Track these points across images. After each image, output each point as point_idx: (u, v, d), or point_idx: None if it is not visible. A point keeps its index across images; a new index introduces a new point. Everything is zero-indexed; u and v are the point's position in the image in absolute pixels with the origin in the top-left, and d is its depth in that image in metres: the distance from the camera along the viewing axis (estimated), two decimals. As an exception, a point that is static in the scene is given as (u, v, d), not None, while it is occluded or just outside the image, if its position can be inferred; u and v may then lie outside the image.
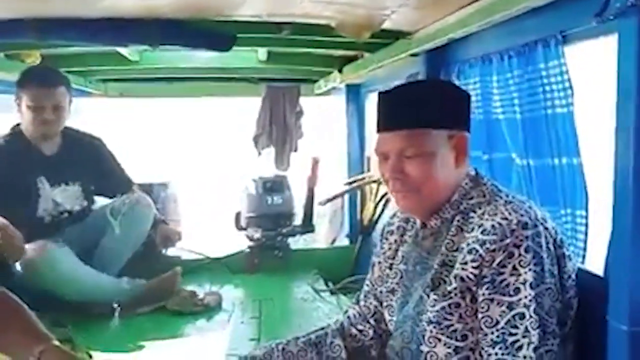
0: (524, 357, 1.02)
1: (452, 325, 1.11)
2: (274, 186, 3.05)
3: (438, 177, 1.16)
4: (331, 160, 3.32)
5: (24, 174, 2.26)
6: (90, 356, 1.78)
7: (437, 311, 1.11)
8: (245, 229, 3.03)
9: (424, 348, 1.14)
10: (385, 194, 2.73)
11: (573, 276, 1.11)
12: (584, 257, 1.35)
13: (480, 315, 1.08)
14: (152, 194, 2.82)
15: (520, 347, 1.02)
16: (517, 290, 1.03)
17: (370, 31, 1.87)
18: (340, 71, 2.83)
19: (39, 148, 2.32)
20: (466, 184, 1.19)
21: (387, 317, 1.29)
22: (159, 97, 3.67)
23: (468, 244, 1.10)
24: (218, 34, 1.94)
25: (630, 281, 1.05)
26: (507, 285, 1.04)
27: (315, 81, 3.54)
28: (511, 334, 1.03)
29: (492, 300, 1.06)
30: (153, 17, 1.79)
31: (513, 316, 1.03)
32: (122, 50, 2.45)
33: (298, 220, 3.07)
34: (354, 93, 3.25)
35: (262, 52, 2.74)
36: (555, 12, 1.30)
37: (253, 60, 2.89)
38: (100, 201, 2.54)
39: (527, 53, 1.42)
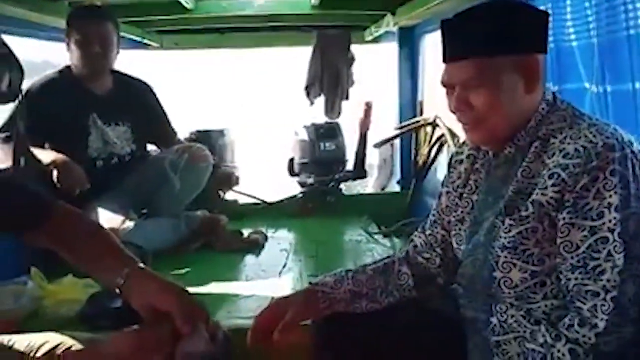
0: (608, 280, 0.98)
1: (528, 249, 1.08)
2: (327, 132, 3.09)
3: (506, 106, 1.11)
4: (383, 107, 3.30)
5: (75, 111, 2.30)
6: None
7: (513, 236, 1.09)
8: (298, 175, 3.10)
9: (498, 274, 1.12)
10: (441, 137, 2.71)
11: None
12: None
13: (559, 241, 1.04)
14: (211, 141, 2.90)
15: (603, 272, 0.99)
16: (601, 215, 0.99)
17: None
18: (393, 14, 2.79)
19: (90, 87, 2.35)
20: (543, 109, 1.13)
21: (455, 246, 1.28)
22: (213, 49, 3.72)
23: (549, 169, 1.06)
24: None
25: None
26: (590, 210, 1.00)
27: (366, 28, 3.50)
28: (593, 259, 1.00)
29: (573, 225, 1.02)
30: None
31: (595, 241, 1.00)
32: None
33: (350, 166, 3.11)
34: (407, 36, 3.19)
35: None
36: None
37: (305, 7, 2.88)
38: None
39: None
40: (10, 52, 1.89)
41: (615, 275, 0.98)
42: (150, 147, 2.63)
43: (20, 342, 1.25)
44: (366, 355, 1.29)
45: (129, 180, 2.41)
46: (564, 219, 1.03)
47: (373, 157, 3.34)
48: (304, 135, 3.09)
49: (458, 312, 1.30)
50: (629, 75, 1.35)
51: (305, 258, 2.33)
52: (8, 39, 1.88)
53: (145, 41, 3.29)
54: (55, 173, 2.09)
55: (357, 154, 3.01)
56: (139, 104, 2.48)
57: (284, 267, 2.22)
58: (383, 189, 3.55)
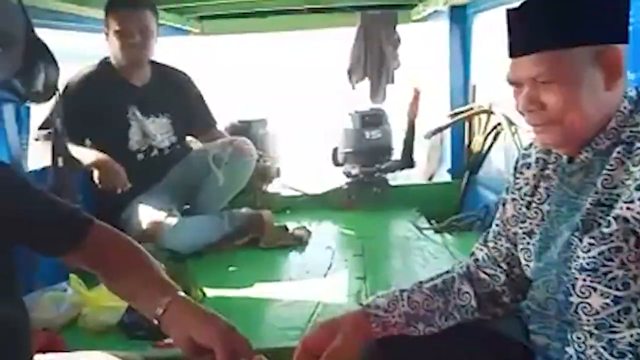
0: None
1: (610, 272, 0.95)
2: (372, 120, 2.94)
3: (583, 104, 0.97)
4: (431, 91, 3.11)
5: (115, 103, 2.27)
6: (204, 294, 1.82)
7: (593, 257, 0.96)
8: (342, 165, 2.97)
9: (575, 299, 0.99)
10: (497, 125, 2.52)
11: None
12: None
13: None
14: (251, 131, 2.80)
15: None
16: None
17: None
18: (445, -10, 2.59)
19: (128, 78, 2.31)
20: (625, 108, 0.99)
21: (523, 262, 1.15)
22: (254, 33, 3.62)
23: (635, 179, 0.91)
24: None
25: None
26: None
27: (413, 6, 3.31)
28: None
29: None
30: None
31: None
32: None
33: (397, 155, 2.95)
34: (459, 15, 2.98)
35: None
36: None
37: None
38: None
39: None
40: (45, 48, 1.84)
41: None
42: (189, 138, 2.56)
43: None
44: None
45: (170, 174, 2.38)
46: None
47: (420, 145, 3.16)
48: (348, 123, 2.95)
49: (527, 337, 1.16)
50: None
51: (350, 257, 2.21)
52: (45, 34, 1.84)
53: (186, 27, 3.21)
54: (96, 173, 2.05)
55: (404, 142, 2.85)
56: (178, 95, 2.42)
57: (329, 267, 2.11)
58: (430, 178, 3.37)
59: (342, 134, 2.96)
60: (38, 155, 2.02)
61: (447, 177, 3.11)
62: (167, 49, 2.46)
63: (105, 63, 2.31)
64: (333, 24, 3.52)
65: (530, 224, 1.12)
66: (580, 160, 1.03)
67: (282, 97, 4.51)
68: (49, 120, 2.06)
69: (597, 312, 0.96)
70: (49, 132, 2.05)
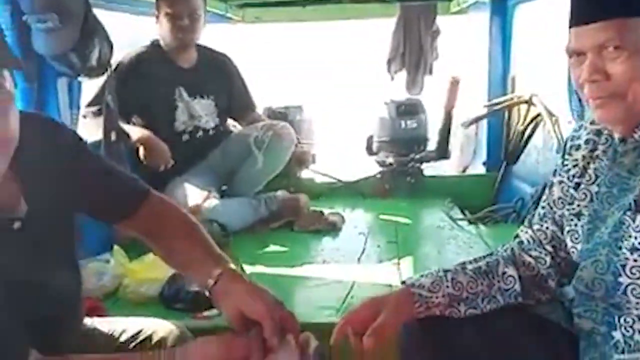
0: None
1: None
2: (408, 109, 2.93)
3: None
4: (469, 83, 3.08)
5: (163, 84, 2.33)
6: (244, 270, 1.85)
7: None
8: (376, 154, 2.97)
9: (624, 280, 0.98)
10: (536, 116, 2.48)
11: None
12: None
13: None
14: (288, 117, 2.83)
15: None
16: None
17: None
18: (486, -18, 2.56)
19: (176, 60, 2.37)
20: None
21: (570, 244, 1.13)
22: (293, 22, 3.65)
23: None
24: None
25: None
26: None
27: (452, -2, 3.28)
28: None
29: None
30: None
31: None
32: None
33: (432, 145, 2.94)
34: (500, 7, 2.94)
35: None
36: None
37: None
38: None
39: None
40: (101, 27, 1.90)
41: None
42: (229, 122, 2.60)
43: (104, 325, 1.24)
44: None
45: (212, 155, 2.43)
46: None
47: (454, 137, 3.13)
48: (384, 112, 2.95)
49: (571, 322, 1.14)
50: None
51: (384, 243, 2.22)
52: (99, 14, 1.89)
53: (228, 15, 3.25)
54: (141, 150, 2.11)
55: (440, 132, 2.83)
56: (222, 78, 2.47)
57: (363, 252, 2.12)
58: (464, 170, 3.34)
59: (377, 122, 2.96)
60: (85, 132, 2.07)
61: (481, 170, 3.09)
62: (208, 36, 2.50)
63: (155, 45, 2.37)
64: (372, 15, 3.53)
65: (579, 205, 1.11)
66: (635, 140, 1.01)
67: (319, 86, 4.52)
68: (98, 97, 2.14)
69: None
70: (97, 110, 2.13)
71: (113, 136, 1.96)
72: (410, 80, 3.40)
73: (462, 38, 3.66)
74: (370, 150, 2.98)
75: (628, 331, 0.98)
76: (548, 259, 1.18)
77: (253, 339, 0.96)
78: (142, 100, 2.28)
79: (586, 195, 1.10)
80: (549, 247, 1.18)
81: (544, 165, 2.49)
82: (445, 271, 1.17)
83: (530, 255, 1.19)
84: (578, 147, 1.14)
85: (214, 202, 2.22)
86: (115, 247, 1.78)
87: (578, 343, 1.10)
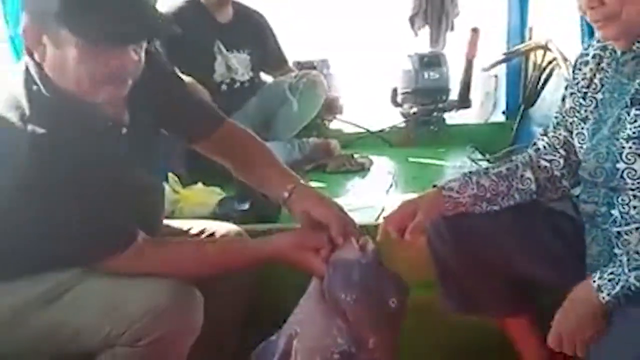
0: None
1: None
2: (431, 61, 3.06)
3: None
4: (489, 36, 3.20)
5: (203, 37, 2.49)
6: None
7: (639, 126, 1.10)
8: (401, 105, 3.12)
9: (621, 165, 1.13)
10: (552, 61, 2.61)
11: None
12: None
13: None
14: (316, 70, 2.98)
15: None
16: None
17: None
18: None
19: (215, 16, 2.53)
20: None
21: (577, 145, 1.28)
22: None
23: None
24: None
25: None
26: None
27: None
28: None
29: None
30: None
31: None
32: None
33: (454, 96, 3.08)
34: (518, -41, 3.04)
35: None
36: None
37: None
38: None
39: None
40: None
41: None
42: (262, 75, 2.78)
43: (174, 223, 1.46)
44: (480, 249, 1.36)
45: (249, 105, 2.60)
46: None
47: (475, 90, 3.26)
48: (407, 65, 3.09)
49: (576, 211, 1.33)
50: None
51: (410, 179, 2.40)
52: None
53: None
54: None
55: (462, 81, 2.97)
56: (256, 33, 2.64)
57: (391, 186, 2.31)
58: (484, 122, 3.48)
59: (401, 75, 3.10)
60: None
61: (501, 119, 3.22)
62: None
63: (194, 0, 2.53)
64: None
65: (585, 111, 1.27)
66: (633, 51, 1.16)
67: (344, 41, 4.65)
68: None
69: None
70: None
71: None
72: (433, 36, 3.51)
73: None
74: (394, 102, 3.13)
75: (624, 208, 1.16)
76: (562, 161, 1.35)
77: (323, 236, 1.18)
78: (184, 51, 2.39)
79: (592, 102, 1.27)
80: (562, 151, 1.35)
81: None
82: (471, 174, 1.36)
83: (545, 159, 1.37)
84: (587, 63, 1.30)
85: None
86: (170, 175, 1.99)
87: (582, 227, 1.28)
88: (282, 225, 1.73)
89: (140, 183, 1.24)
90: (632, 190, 1.14)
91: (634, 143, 1.12)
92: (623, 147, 1.14)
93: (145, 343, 1.09)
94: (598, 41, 1.29)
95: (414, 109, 3.04)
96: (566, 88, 1.37)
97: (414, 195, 2.06)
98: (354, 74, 3.88)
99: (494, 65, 2.98)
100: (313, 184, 2.38)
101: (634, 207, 1.14)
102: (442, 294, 1.47)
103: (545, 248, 1.33)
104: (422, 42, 3.51)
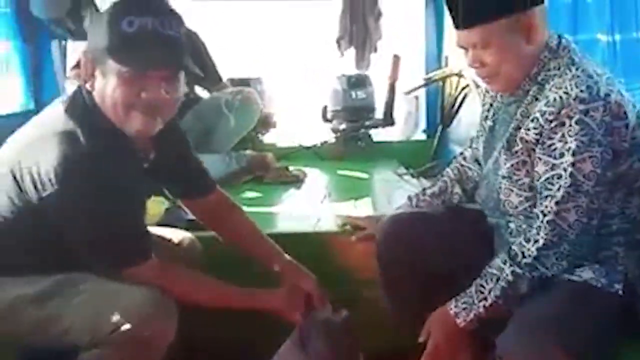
0: (547, 207, 1.23)
1: (520, 179, 1.32)
2: (358, 82, 3.30)
3: (512, 59, 1.29)
4: (408, 60, 3.49)
5: None
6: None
7: (508, 168, 1.33)
8: (330, 121, 3.33)
9: (502, 197, 1.38)
10: (465, 87, 2.92)
11: None
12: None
13: (535, 170, 1.28)
14: (250, 87, 3.11)
15: (547, 198, 1.23)
16: (562, 155, 1.21)
17: None
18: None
19: None
20: (545, 56, 1.30)
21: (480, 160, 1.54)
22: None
23: (534, 112, 1.26)
24: None
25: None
26: (555, 150, 1.22)
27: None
28: (547, 188, 1.23)
29: (541, 159, 1.24)
30: None
31: (552, 175, 1.22)
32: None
33: (379, 114, 3.32)
34: (434, -7, 3.36)
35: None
36: None
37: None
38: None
39: None
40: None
41: (552, 204, 1.21)
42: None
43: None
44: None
45: (185, 120, 2.66)
46: (537, 153, 1.26)
47: (398, 110, 3.53)
48: (336, 84, 3.31)
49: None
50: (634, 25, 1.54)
51: (342, 191, 2.59)
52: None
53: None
54: None
55: (386, 102, 3.22)
56: (192, 51, 2.70)
57: (324, 197, 2.49)
58: (406, 139, 3.76)
59: (331, 94, 3.33)
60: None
61: (422, 137, 3.51)
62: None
63: None
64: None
65: (483, 135, 1.51)
66: (514, 95, 1.37)
67: (275, 61, 4.81)
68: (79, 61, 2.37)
69: (517, 207, 1.35)
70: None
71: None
72: (358, 58, 3.75)
73: (400, 20, 4.08)
74: (325, 118, 3.34)
75: (515, 224, 1.39)
76: (480, 171, 1.58)
77: (302, 300, 1.48)
78: None
79: (486, 128, 1.50)
80: (480, 161, 1.57)
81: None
82: (412, 197, 1.66)
83: (470, 169, 1.62)
84: (489, 91, 1.52)
85: None
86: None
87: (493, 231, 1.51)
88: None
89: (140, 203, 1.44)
90: (514, 215, 1.38)
91: (507, 181, 1.35)
92: (500, 183, 1.38)
93: (129, 345, 1.19)
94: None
95: (343, 126, 3.26)
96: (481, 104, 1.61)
97: (346, 205, 2.30)
98: (286, 92, 4.04)
99: (415, 89, 3.26)
100: (251, 194, 2.54)
101: (519, 225, 1.38)
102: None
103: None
104: (348, 62, 3.74)
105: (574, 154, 1.20)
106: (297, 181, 2.73)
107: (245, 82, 3.17)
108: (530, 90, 1.31)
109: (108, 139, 1.27)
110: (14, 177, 1.24)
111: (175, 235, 1.59)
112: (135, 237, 1.32)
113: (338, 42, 3.76)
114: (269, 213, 2.26)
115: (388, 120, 3.27)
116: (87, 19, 2.05)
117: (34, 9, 1.98)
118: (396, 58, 3.21)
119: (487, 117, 1.51)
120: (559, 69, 1.28)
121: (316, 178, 2.85)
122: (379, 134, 3.43)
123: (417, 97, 3.58)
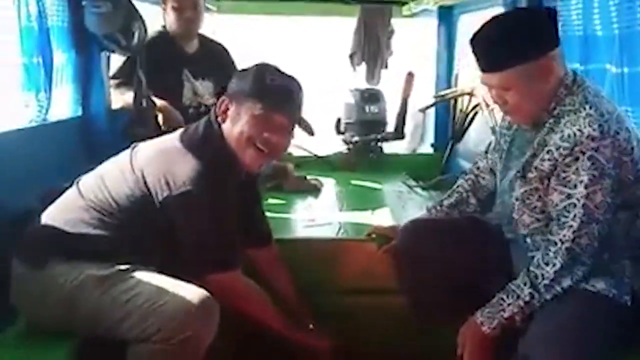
0: (564, 235, 1.39)
1: (532, 203, 1.48)
2: (371, 97, 3.46)
3: (531, 98, 1.44)
4: (420, 77, 3.64)
5: (172, 66, 2.71)
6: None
7: (522, 192, 1.49)
8: (343, 133, 3.48)
9: (516, 216, 1.53)
10: (476, 105, 3.09)
11: None
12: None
13: (549, 197, 1.44)
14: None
15: (563, 225, 1.39)
16: (575, 186, 1.36)
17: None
18: (435, -7, 3.12)
19: (182, 46, 2.76)
20: (561, 92, 1.44)
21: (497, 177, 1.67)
22: (266, 15, 4.06)
23: (550, 145, 1.41)
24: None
25: None
26: (569, 181, 1.37)
27: (405, 3, 3.82)
28: (564, 216, 1.39)
29: (556, 189, 1.40)
30: None
31: (568, 204, 1.38)
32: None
33: (390, 128, 3.48)
34: (446, 15, 3.52)
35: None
36: None
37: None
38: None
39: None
40: (139, 13, 2.28)
41: (569, 232, 1.37)
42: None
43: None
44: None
45: None
46: (552, 183, 1.42)
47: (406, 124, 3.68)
48: (351, 98, 3.46)
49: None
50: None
51: (357, 200, 2.73)
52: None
53: (207, 5, 3.60)
54: (160, 115, 2.50)
55: (398, 117, 3.37)
56: (220, 63, 2.87)
57: (342, 205, 2.63)
58: (413, 152, 3.93)
59: (344, 107, 3.48)
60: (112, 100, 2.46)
61: (429, 151, 3.67)
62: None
63: (163, 31, 2.74)
64: (335, 13, 4.01)
65: (500, 151, 1.65)
66: (533, 127, 1.52)
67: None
68: (122, 71, 2.51)
69: (529, 225, 1.52)
70: (120, 82, 2.50)
71: (143, 103, 2.35)
72: (370, 73, 3.92)
73: (411, 38, 4.25)
74: (338, 130, 3.49)
75: (530, 239, 1.54)
76: (495, 181, 1.71)
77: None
78: (156, 78, 2.61)
79: (500, 144, 1.66)
80: (495, 172, 1.71)
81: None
82: (431, 208, 1.82)
83: (484, 179, 1.77)
84: None
85: None
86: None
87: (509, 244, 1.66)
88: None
89: None
90: (526, 230, 1.54)
91: (520, 203, 1.51)
92: (514, 204, 1.53)
93: (175, 341, 1.31)
94: None
95: (356, 138, 3.41)
96: (499, 126, 1.75)
97: (363, 215, 2.45)
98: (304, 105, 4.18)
99: (428, 107, 3.42)
100: (274, 201, 2.68)
101: (534, 240, 1.54)
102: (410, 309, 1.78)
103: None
104: (360, 78, 3.90)
105: (586, 187, 1.36)
106: (314, 190, 2.87)
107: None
108: (547, 122, 1.46)
109: (227, 163, 1.56)
110: (143, 175, 1.49)
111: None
112: (232, 246, 1.54)
113: (351, 57, 3.93)
114: (291, 219, 2.42)
115: (399, 133, 3.42)
116: (136, 35, 2.20)
117: (89, 25, 2.11)
118: (410, 75, 3.35)
119: (504, 134, 1.65)
120: (573, 105, 1.42)
121: (330, 187, 2.99)
122: (389, 147, 3.59)
123: (424, 112, 3.75)
